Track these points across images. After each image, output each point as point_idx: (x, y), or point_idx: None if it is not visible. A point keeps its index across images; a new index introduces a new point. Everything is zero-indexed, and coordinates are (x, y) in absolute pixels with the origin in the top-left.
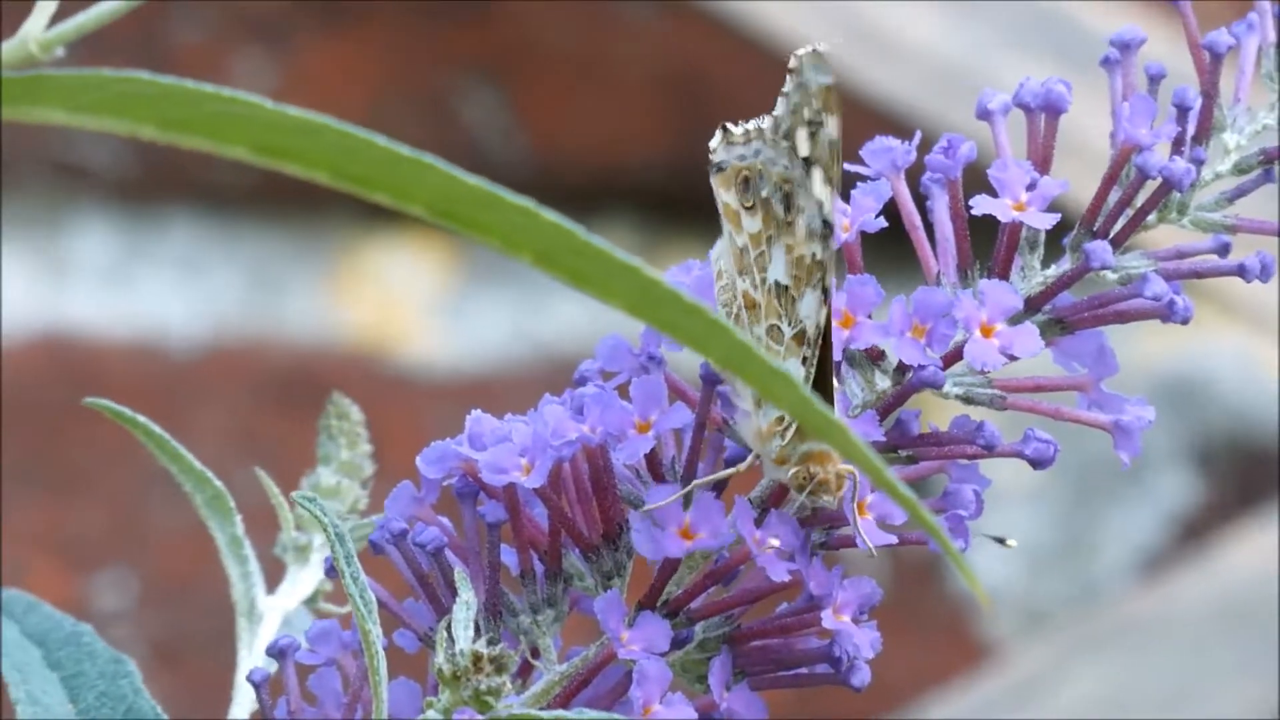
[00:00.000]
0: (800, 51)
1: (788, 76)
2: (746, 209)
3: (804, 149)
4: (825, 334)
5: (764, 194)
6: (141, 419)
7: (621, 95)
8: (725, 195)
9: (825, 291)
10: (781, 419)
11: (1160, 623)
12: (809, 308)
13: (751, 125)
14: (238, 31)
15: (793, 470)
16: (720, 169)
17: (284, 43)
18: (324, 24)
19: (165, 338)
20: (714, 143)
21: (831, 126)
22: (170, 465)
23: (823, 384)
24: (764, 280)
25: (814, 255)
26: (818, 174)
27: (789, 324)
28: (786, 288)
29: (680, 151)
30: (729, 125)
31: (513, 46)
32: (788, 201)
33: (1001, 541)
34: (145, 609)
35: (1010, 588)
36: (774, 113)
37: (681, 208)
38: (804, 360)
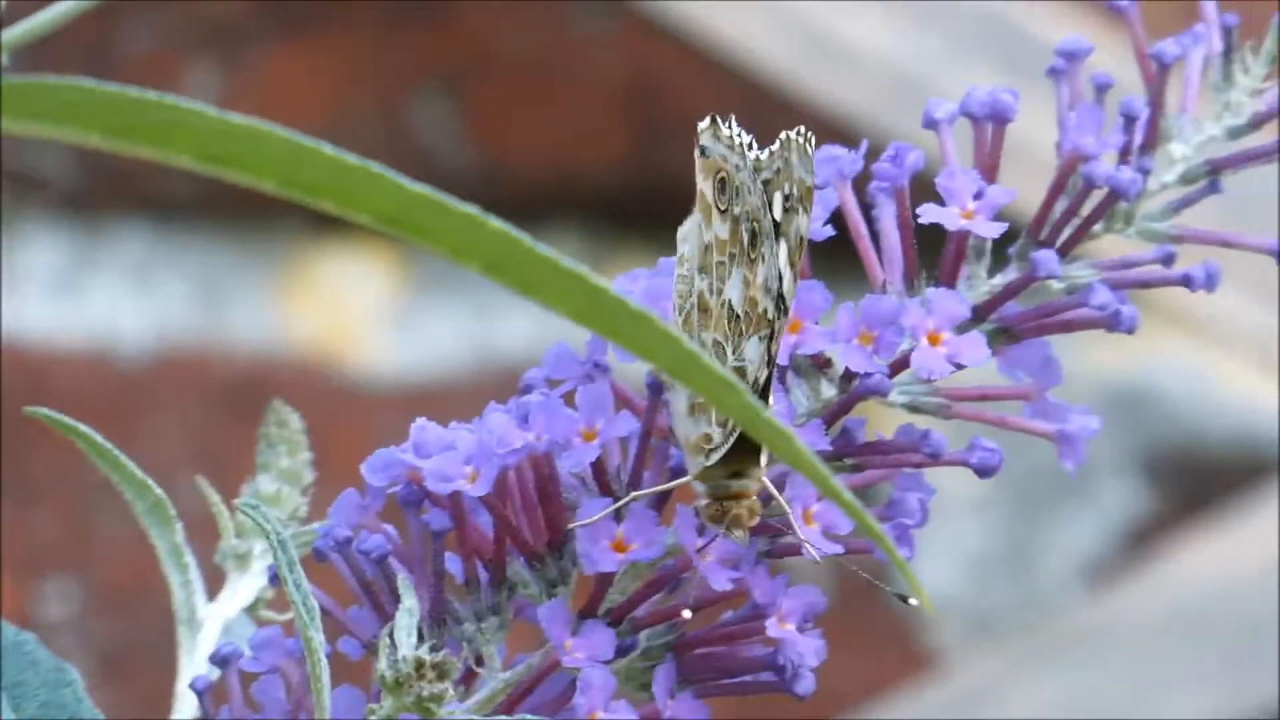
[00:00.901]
0: (790, 135)
1: (778, 145)
2: (719, 210)
3: (777, 213)
4: (764, 392)
5: (736, 211)
6: (82, 427)
7: (574, 104)
8: (703, 183)
9: (770, 357)
10: (709, 438)
11: (1109, 633)
12: (753, 353)
13: (740, 138)
14: (190, 40)
15: (706, 501)
16: (704, 154)
17: (236, 51)
18: (277, 32)
19: (115, 347)
20: (703, 126)
21: (803, 223)
22: (110, 473)
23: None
24: (720, 291)
25: (764, 311)
26: (784, 249)
27: (733, 352)
28: (738, 316)
29: (632, 160)
30: (719, 118)
31: (466, 55)
32: (754, 239)
33: (904, 600)
34: (91, 618)
35: (956, 597)
36: (760, 154)
37: (633, 217)
38: None
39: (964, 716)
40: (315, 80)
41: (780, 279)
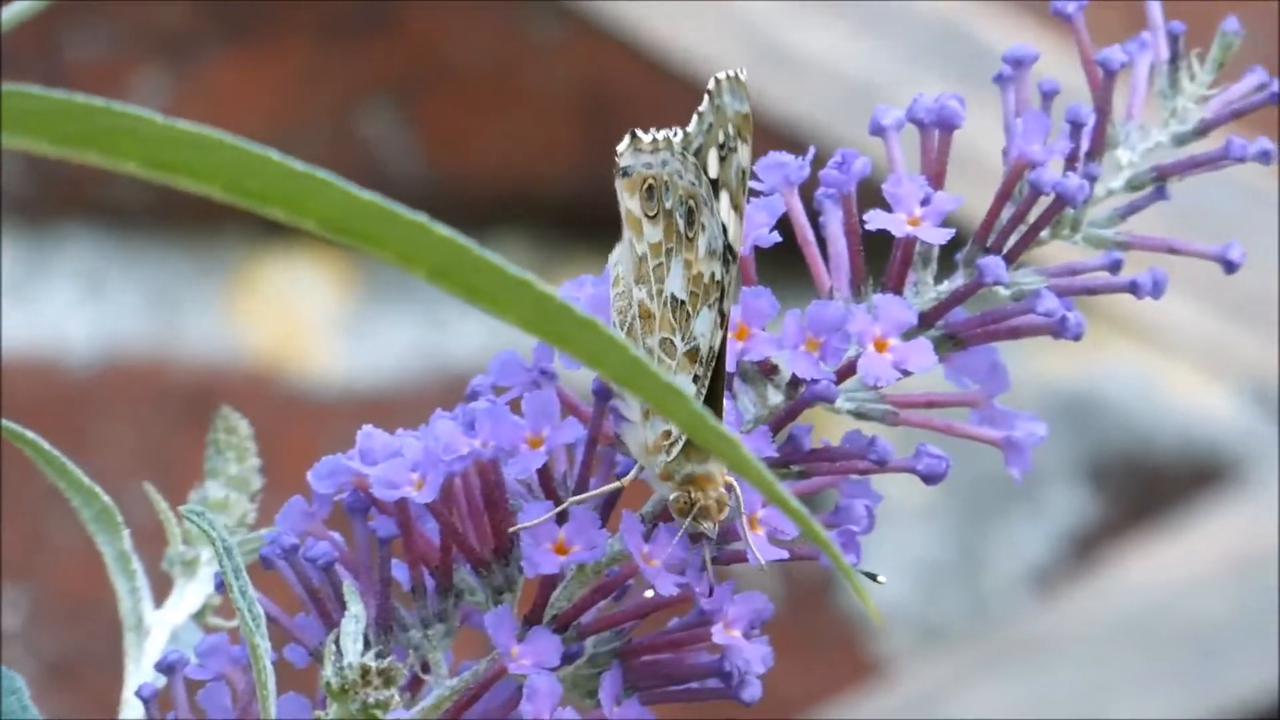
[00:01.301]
0: (720, 75)
1: (705, 97)
2: (649, 218)
3: (713, 170)
4: (720, 356)
5: (667, 205)
6: (29, 433)
7: (525, 113)
8: (629, 202)
9: (723, 315)
10: (669, 434)
11: (1057, 639)
12: (704, 326)
13: (660, 135)
14: (139, 48)
15: (675, 494)
16: (626, 174)
17: (185, 59)
18: (226, 40)
19: (65, 354)
20: (622, 147)
21: (744, 154)
22: (57, 480)
23: (714, 403)
24: (660, 292)
25: (713, 275)
26: (725, 197)
27: (682, 339)
28: (683, 302)
29: (581, 168)
30: (638, 132)
31: (416, 63)
32: (690, 216)
33: (873, 578)
34: (39, 626)
35: (904, 604)
36: (686, 129)
37: (583, 225)
38: (695, 379)
39: None
40: (263, 88)
41: (725, 231)
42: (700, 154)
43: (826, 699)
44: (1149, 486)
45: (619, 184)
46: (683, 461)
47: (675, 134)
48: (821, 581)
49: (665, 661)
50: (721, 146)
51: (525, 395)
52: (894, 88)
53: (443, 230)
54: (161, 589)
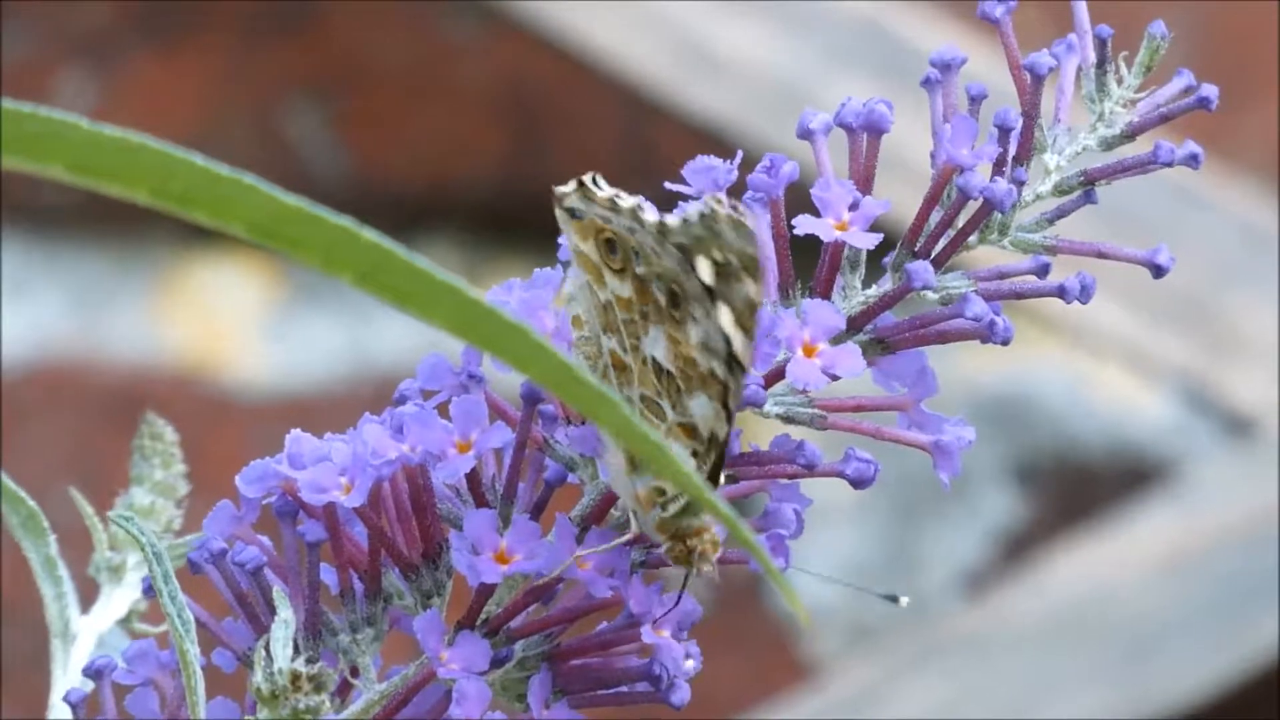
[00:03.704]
0: (721, 207)
1: (699, 215)
2: (613, 270)
3: (706, 277)
4: (723, 445)
5: (638, 270)
6: None
7: (449, 113)
8: (583, 245)
9: (728, 412)
10: (662, 491)
11: (989, 638)
12: (702, 409)
13: (624, 201)
14: (61, 49)
15: (669, 545)
16: (575, 216)
17: (109, 60)
18: (150, 41)
19: None
20: (567, 189)
21: (752, 290)
22: None
23: (714, 478)
24: (636, 348)
25: (712, 371)
26: (725, 312)
27: (672, 409)
28: (669, 373)
29: (508, 169)
30: (588, 182)
31: (340, 65)
32: (674, 298)
33: (894, 600)
34: None
35: (834, 605)
36: (663, 217)
37: (509, 226)
38: (695, 454)
39: None
40: (187, 88)
41: (728, 341)
42: (685, 251)
43: (759, 700)
44: (1078, 487)
45: (565, 222)
46: (680, 519)
47: (641, 207)
48: (752, 583)
49: (594, 665)
50: (720, 265)
51: (453, 399)
52: (820, 88)
53: (368, 234)
54: (88, 594)
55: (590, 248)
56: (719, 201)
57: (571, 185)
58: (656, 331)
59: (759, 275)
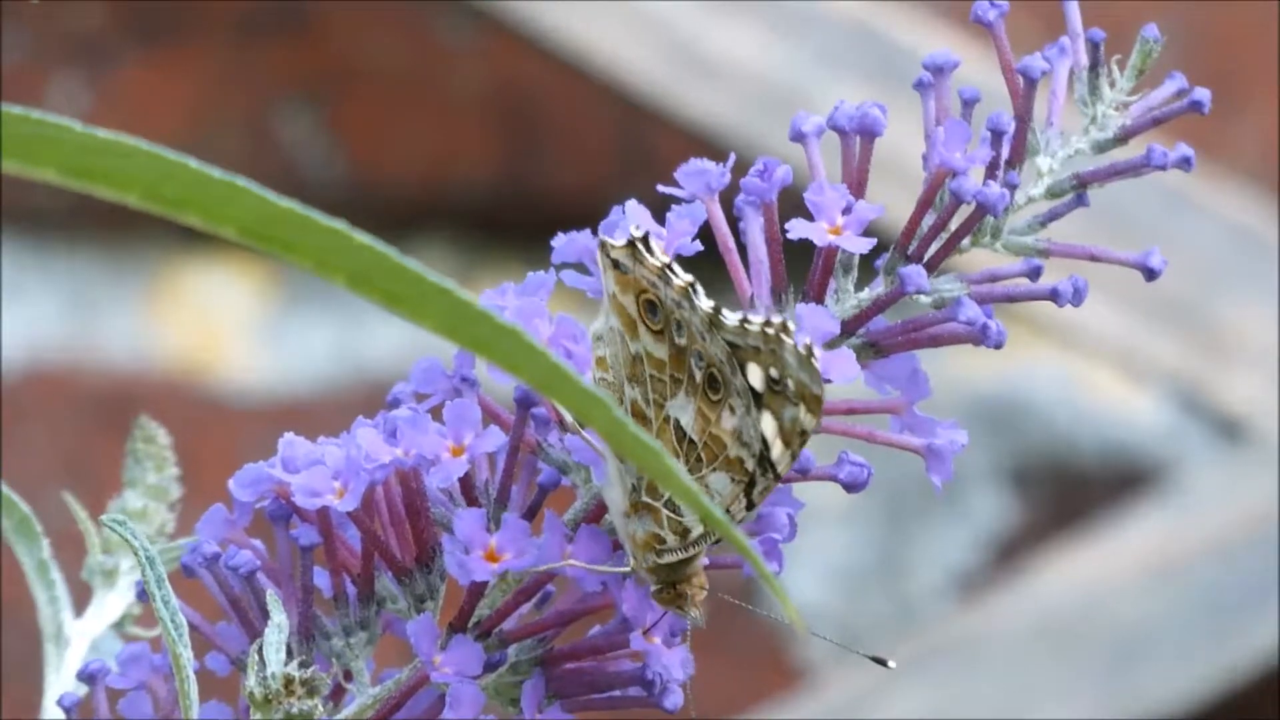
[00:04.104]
0: (784, 337)
1: (760, 327)
2: (652, 330)
3: (755, 384)
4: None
5: (679, 341)
6: None
7: (442, 116)
8: (621, 296)
9: (751, 503)
10: (660, 539)
11: (981, 642)
12: (722, 488)
13: (678, 279)
14: (54, 53)
15: (659, 588)
16: (621, 269)
17: (102, 64)
18: (142, 45)
19: None
20: (617, 243)
21: (807, 422)
22: None
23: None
24: (661, 405)
25: (741, 460)
26: (770, 422)
27: (689, 473)
28: (693, 441)
29: (501, 173)
30: (639, 245)
31: (334, 68)
32: (713, 381)
33: (883, 663)
34: None
35: (826, 609)
36: (717, 305)
37: (502, 229)
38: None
39: None
40: (180, 91)
41: (767, 446)
42: (736, 350)
43: (751, 705)
44: (1071, 490)
45: (607, 268)
46: (675, 567)
47: (695, 287)
48: (746, 588)
49: (587, 669)
50: (775, 382)
51: (447, 403)
52: (814, 92)
53: (361, 237)
54: (81, 598)
55: (630, 302)
56: (786, 330)
57: (622, 240)
58: (686, 400)
59: (818, 415)
